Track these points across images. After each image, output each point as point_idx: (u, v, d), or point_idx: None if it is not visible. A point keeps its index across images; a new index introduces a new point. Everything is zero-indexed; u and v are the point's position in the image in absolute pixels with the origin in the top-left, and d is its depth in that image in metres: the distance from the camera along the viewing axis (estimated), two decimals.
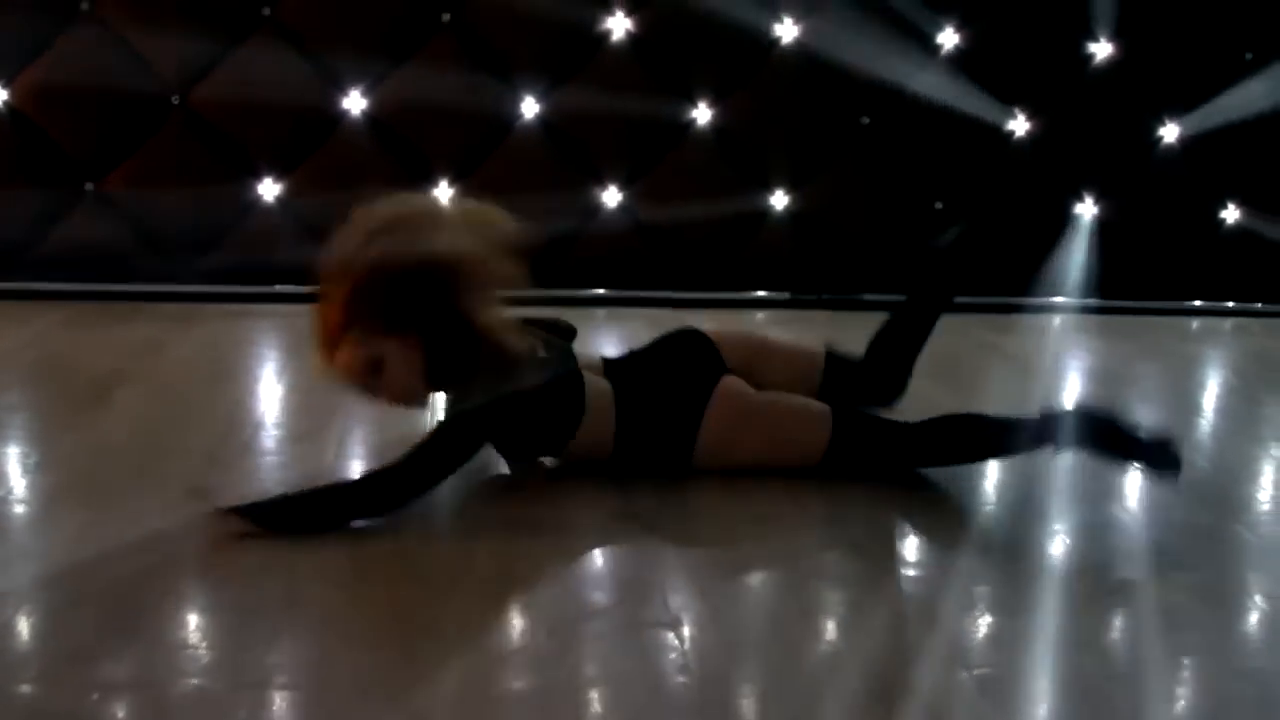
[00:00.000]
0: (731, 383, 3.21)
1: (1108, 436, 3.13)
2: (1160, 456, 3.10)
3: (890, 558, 2.92)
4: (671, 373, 3.24)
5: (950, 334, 4.90)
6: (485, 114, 5.10)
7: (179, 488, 3.03)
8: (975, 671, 2.33)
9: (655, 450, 3.16)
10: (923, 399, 3.83)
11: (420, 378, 2.96)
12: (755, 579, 2.77)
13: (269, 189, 5.04)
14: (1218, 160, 5.48)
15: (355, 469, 3.23)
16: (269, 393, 4.05)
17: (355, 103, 5.03)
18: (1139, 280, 5.54)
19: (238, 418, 3.63)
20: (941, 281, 3.53)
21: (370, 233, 2.86)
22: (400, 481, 2.82)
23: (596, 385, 3.14)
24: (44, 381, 4.02)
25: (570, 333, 3.41)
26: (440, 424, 2.93)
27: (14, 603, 2.46)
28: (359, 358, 2.90)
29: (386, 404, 3.04)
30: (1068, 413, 3.25)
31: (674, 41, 5.15)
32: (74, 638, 2.34)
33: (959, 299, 3.61)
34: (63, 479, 3.14)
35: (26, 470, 3.20)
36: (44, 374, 4.09)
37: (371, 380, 2.95)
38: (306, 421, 3.60)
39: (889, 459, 3.23)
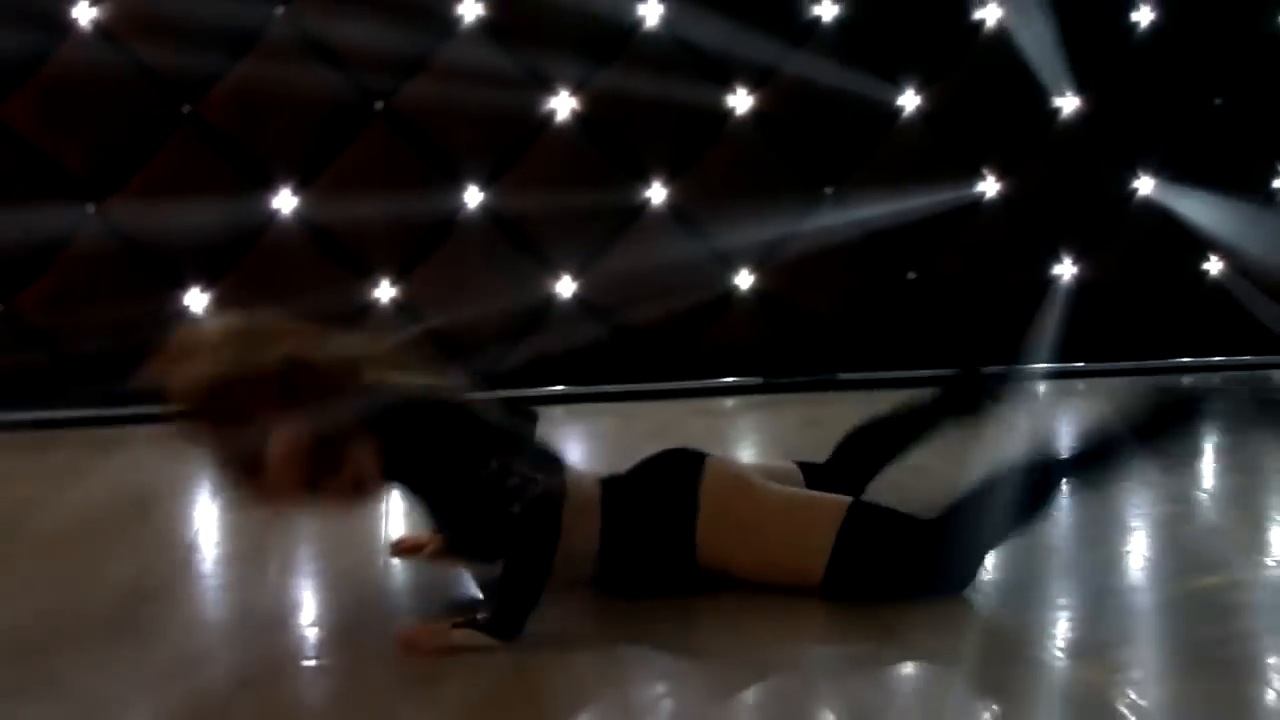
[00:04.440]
0: (721, 460, 2.88)
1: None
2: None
3: None
4: (658, 468, 2.90)
5: None
6: (423, 210, 4.76)
7: (100, 628, 2.63)
8: None
9: (652, 545, 2.78)
10: (922, 470, 3.53)
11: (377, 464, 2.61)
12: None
13: (196, 298, 4.67)
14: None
15: (300, 586, 2.85)
16: (203, 514, 3.64)
17: (285, 202, 4.68)
18: (1122, 340, 5.26)
19: (169, 541, 3.24)
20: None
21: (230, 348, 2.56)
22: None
23: (581, 479, 2.79)
24: None
25: (531, 417, 3.05)
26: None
27: None
28: (310, 456, 2.54)
29: (341, 500, 2.66)
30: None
31: (623, 120, 4.86)
32: None
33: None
34: None
35: None
36: None
37: (327, 477, 2.58)
38: (241, 541, 3.22)
39: (908, 549, 2.81)
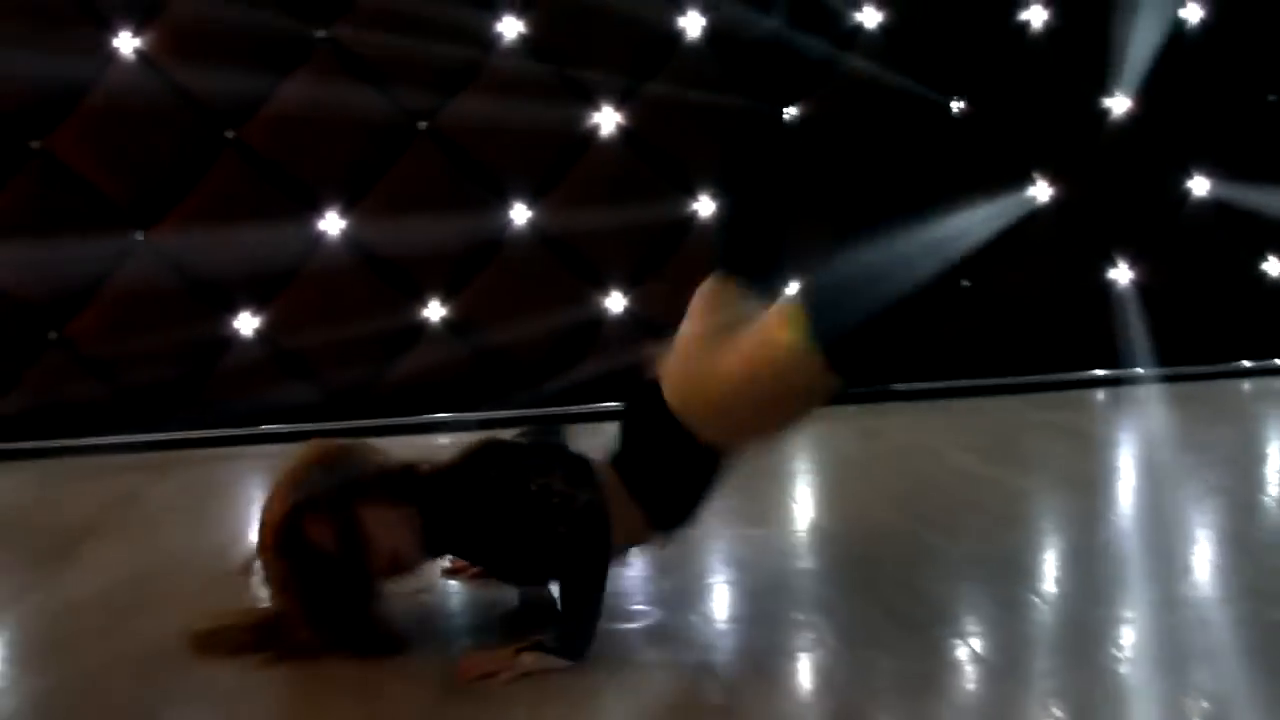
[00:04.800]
0: (667, 363, 2.76)
1: None
2: None
3: None
4: (633, 415, 2.83)
5: (1002, 413, 4.60)
6: (470, 228, 4.75)
7: (153, 645, 2.62)
8: None
9: (679, 478, 2.74)
10: (986, 481, 3.48)
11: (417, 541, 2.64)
12: None
13: (247, 322, 4.67)
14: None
15: None
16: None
17: (332, 224, 4.68)
18: (1182, 344, 5.17)
19: (222, 566, 3.20)
20: None
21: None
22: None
23: (602, 469, 2.76)
24: (3, 541, 3.59)
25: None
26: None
27: None
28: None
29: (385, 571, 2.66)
30: None
31: (668, 132, 4.82)
32: None
33: None
34: (23, 642, 2.75)
35: None
36: (3, 533, 3.66)
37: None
38: None
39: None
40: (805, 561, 3.09)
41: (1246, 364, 5.24)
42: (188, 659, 2.58)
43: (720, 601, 2.86)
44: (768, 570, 2.90)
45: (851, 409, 4.74)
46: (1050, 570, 3.05)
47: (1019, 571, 2.96)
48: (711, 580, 3.02)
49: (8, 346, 4.57)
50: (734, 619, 2.77)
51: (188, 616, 2.71)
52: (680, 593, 2.91)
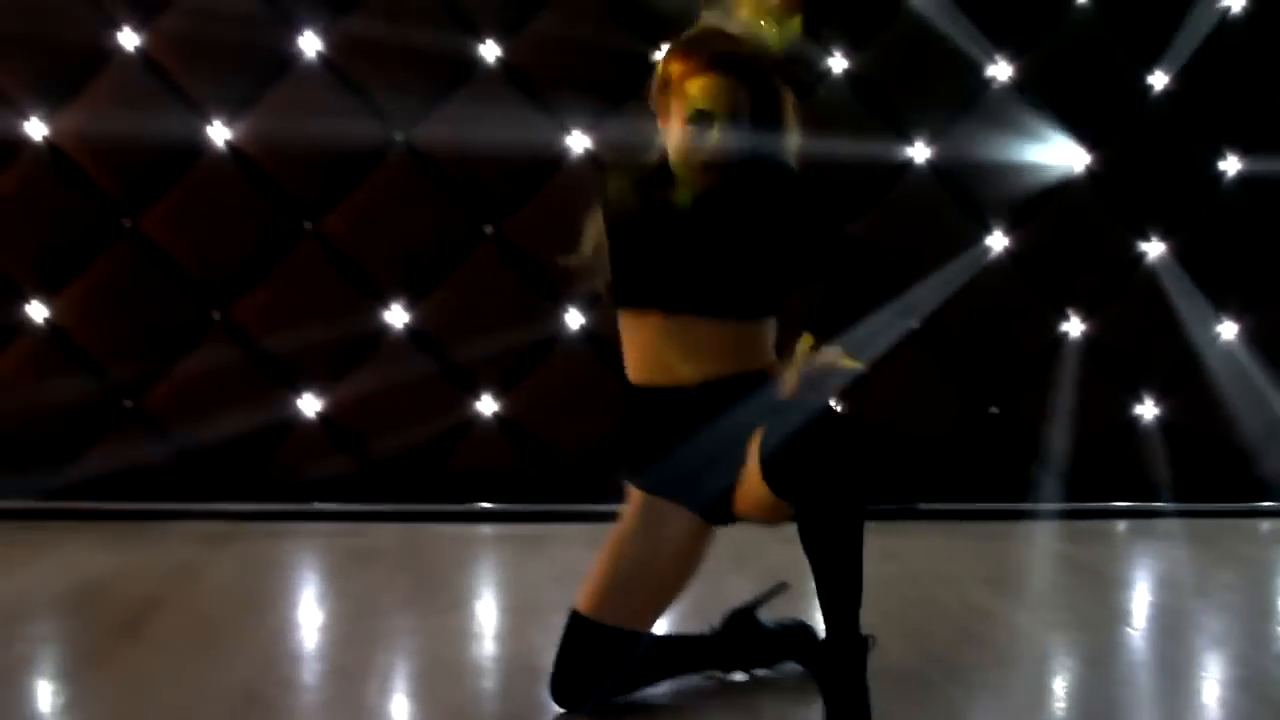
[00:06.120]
0: None
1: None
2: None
3: None
4: None
5: (1019, 543, 4.76)
6: (529, 330, 5.01)
7: None
8: None
9: None
10: (989, 615, 3.60)
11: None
12: None
13: (310, 404, 4.93)
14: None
15: (400, 707, 3.03)
16: (309, 622, 3.86)
17: (397, 316, 4.94)
18: (1206, 482, 5.34)
19: (277, 650, 3.45)
20: None
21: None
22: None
23: None
24: (74, 611, 3.81)
25: None
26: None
27: None
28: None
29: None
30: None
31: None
32: None
33: None
34: None
35: (55, 712, 3.00)
36: (74, 603, 3.88)
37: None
38: (348, 654, 3.41)
39: None
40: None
41: (1265, 504, 5.37)
42: None
43: None
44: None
45: (875, 526, 4.87)
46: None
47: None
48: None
49: (86, 410, 4.85)
50: None
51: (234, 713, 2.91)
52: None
